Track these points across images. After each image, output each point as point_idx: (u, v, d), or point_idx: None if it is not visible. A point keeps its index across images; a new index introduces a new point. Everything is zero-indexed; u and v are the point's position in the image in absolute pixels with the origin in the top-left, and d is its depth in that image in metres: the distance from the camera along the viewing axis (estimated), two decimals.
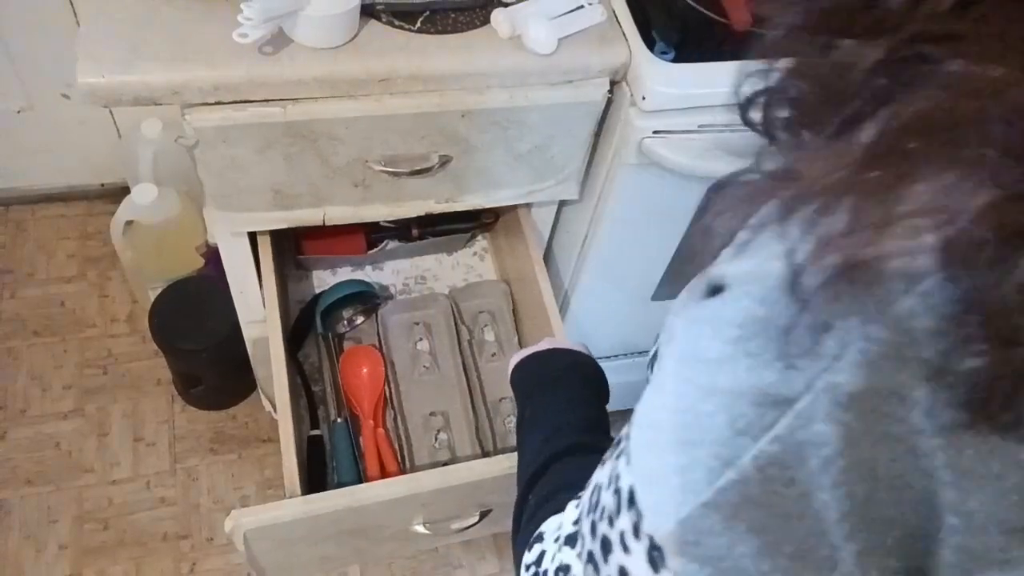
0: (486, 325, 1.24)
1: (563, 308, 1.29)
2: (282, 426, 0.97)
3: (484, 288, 1.27)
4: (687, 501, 0.33)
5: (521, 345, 1.22)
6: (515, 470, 0.92)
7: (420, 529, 0.98)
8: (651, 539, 0.35)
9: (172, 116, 0.89)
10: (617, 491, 0.38)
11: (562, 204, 1.20)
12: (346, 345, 1.21)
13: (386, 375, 1.16)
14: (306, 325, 1.21)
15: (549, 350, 0.78)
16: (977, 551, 0.30)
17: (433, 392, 1.18)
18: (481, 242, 1.35)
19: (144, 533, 1.41)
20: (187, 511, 1.44)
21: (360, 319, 1.22)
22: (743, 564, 0.32)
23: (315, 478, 1.05)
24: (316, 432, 1.11)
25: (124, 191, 1.43)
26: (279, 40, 0.85)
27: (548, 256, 1.29)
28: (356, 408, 1.13)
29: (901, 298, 0.27)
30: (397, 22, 0.89)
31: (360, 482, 1.00)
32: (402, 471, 1.09)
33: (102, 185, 1.73)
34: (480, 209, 1.10)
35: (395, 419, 1.14)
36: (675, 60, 0.96)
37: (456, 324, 1.23)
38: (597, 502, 0.41)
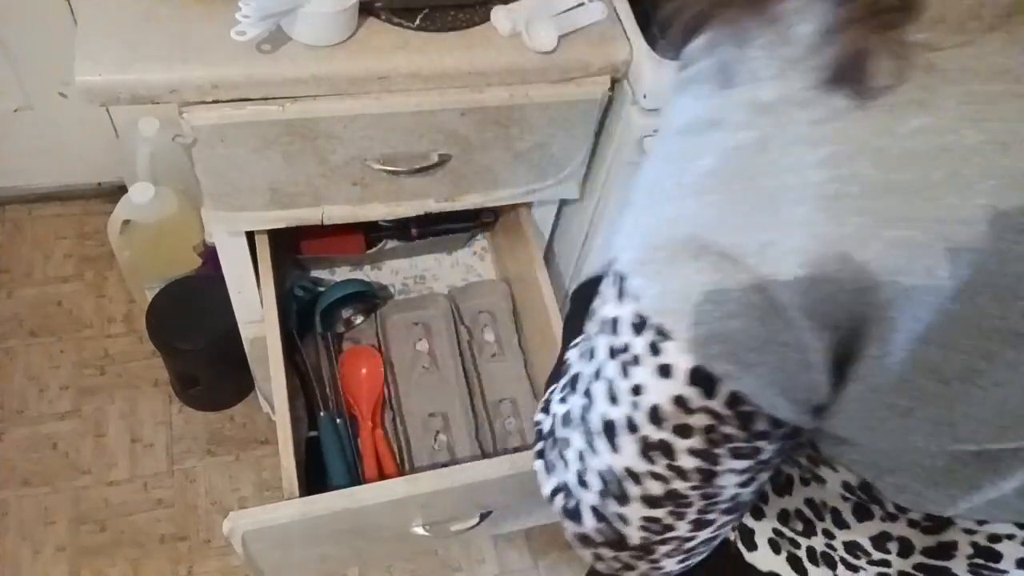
0: (486, 325, 1.23)
1: (563, 308, 1.28)
2: (280, 427, 0.96)
3: (484, 288, 1.27)
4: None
5: (521, 345, 1.22)
6: (515, 471, 0.93)
7: (419, 531, 0.98)
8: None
9: (169, 115, 0.89)
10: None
11: (562, 203, 1.19)
12: (345, 345, 1.20)
13: (385, 376, 1.16)
14: (305, 325, 1.20)
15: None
16: None
17: (432, 393, 1.17)
18: (481, 242, 1.35)
19: (141, 534, 1.40)
20: (184, 512, 1.43)
21: (359, 319, 1.22)
22: None
23: (314, 479, 1.05)
24: (314, 433, 1.10)
25: (121, 190, 1.42)
26: (277, 38, 0.84)
27: (548, 256, 1.28)
28: (355, 409, 1.12)
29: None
30: (396, 19, 0.89)
31: (352, 484, 0.99)
32: (401, 472, 1.09)
33: (99, 184, 1.72)
34: (480, 208, 1.10)
35: (394, 420, 1.14)
36: (677, 58, 0.95)
37: (456, 324, 1.22)
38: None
